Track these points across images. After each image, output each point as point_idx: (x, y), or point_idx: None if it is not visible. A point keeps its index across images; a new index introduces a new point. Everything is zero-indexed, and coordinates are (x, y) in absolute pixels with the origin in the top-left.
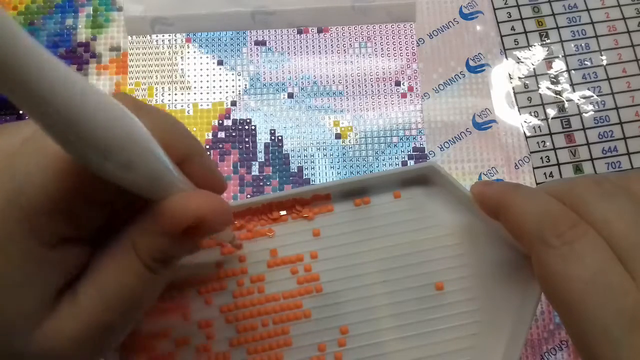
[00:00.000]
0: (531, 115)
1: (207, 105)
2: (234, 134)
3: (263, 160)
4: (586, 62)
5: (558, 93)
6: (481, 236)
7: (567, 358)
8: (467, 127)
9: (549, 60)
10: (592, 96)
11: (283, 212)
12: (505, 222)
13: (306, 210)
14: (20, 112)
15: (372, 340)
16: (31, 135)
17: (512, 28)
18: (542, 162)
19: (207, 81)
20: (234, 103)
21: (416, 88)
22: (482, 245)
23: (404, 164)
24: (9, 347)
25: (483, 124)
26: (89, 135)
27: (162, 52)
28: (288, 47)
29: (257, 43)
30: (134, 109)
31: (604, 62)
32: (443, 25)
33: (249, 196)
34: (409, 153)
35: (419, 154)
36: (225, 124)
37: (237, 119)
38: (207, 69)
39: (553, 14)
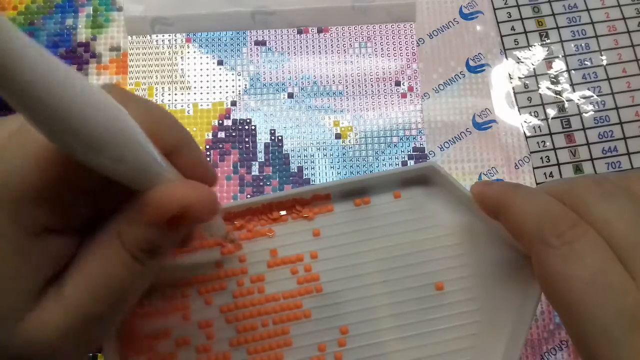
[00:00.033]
0: (531, 115)
1: (207, 105)
2: (234, 134)
3: (263, 160)
4: (586, 62)
5: (558, 93)
6: (481, 236)
7: (567, 358)
8: (467, 127)
9: (549, 60)
10: (592, 96)
11: (283, 212)
12: (505, 222)
13: (306, 210)
14: None
15: (372, 340)
16: (17, 128)
17: (512, 28)
18: (542, 162)
19: (207, 81)
20: (234, 103)
21: (416, 88)
22: (482, 245)
23: (404, 164)
24: None
25: (483, 124)
26: (74, 127)
27: (162, 52)
28: (288, 47)
29: (257, 43)
30: (122, 99)
31: (604, 62)
32: (443, 25)
33: (249, 196)
34: (409, 153)
35: (419, 154)
36: (225, 124)
37: (237, 119)
38: (207, 69)
39: (553, 14)
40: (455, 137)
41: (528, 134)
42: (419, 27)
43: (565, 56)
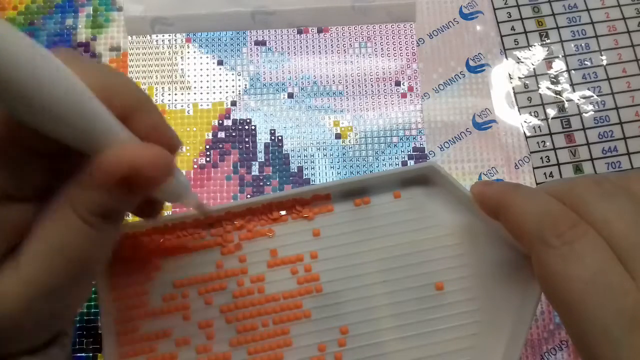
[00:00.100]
0: (531, 115)
1: (207, 105)
2: (234, 134)
3: (263, 160)
4: (586, 62)
5: (558, 93)
6: (481, 236)
7: (567, 358)
8: (467, 127)
9: (549, 60)
10: (592, 96)
11: (283, 212)
12: (505, 222)
13: (306, 210)
14: None
15: (372, 340)
16: None
17: (512, 28)
18: (542, 162)
19: (207, 81)
20: (234, 103)
21: (416, 88)
22: (482, 245)
23: (404, 164)
24: None
25: (483, 124)
26: (16, 88)
27: (162, 52)
28: (288, 47)
29: (257, 43)
30: (70, 61)
31: (604, 62)
32: (443, 25)
33: (249, 196)
34: (409, 153)
35: (419, 154)
36: (225, 124)
37: (237, 119)
38: (207, 69)
39: (553, 14)
40: (455, 137)
41: (528, 134)
42: (419, 27)
43: (565, 56)
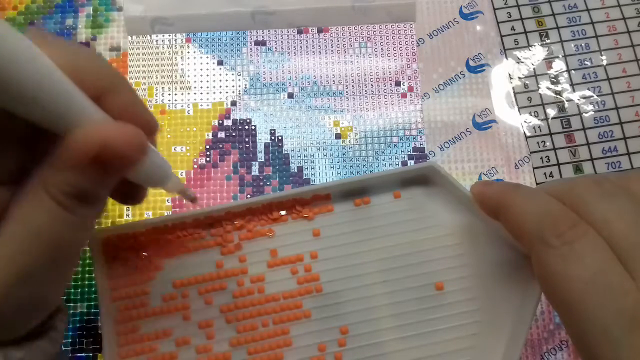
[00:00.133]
0: (531, 115)
1: (207, 105)
2: (234, 134)
3: (263, 160)
4: (586, 62)
5: (558, 93)
6: (481, 236)
7: (567, 358)
8: (467, 127)
9: (549, 60)
10: (592, 96)
11: (283, 212)
12: (505, 222)
13: (306, 210)
14: None
15: (372, 340)
16: None
17: (512, 28)
18: (542, 162)
19: (207, 81)
20: (234, 103)
21: (416, 88)
22: (482, 245)
23: (404, 164)
24: None
25: (483, 124)
26: None
27: (162, 52)
28: (288, 47)
29: (257, 43)
30: (40, 41)
31: (604, 62)
32: (443, 25)
33: (249, 196)
34: (409, 153)
35: (419, 154)
36: (225, 124)
37: (237, 119)
38: (207, 69)
39: (553, 14)
40: (455, 137)
41: (528, 134)
42: (419, 27)
43: (565, 56)
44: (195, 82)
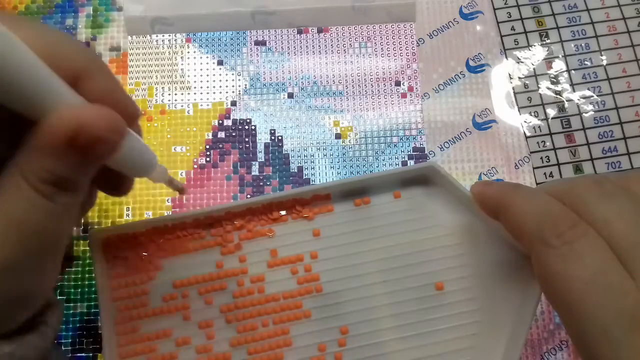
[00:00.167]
0: (531, 115)
1: (207, 105)
2: (234, 134)
3: (263, 160)
4: (586, 62)
5: (558, 93)
6: (481, 236)
7: (567, 358)
8: (467, 127)
9: (549, 60)
10: (592, 96)
11: (283, 212)
12: (505, 222)
13: (306, 210)
14: None
15: (372, 340)
16: None
17: (512, 28)
18: (542, 162)
19: (207, 81)
20: (234, 103)
21: (416, 88)
22: (482, 245)
23: (404, 164)
24: None
25: (483, 124)
26: None
27: (162, 52)
28: (288, 47)
29: (257, 43)
30: (13, 25)
31: (604, 62)
32: (443, 25)
33: (249, 196)
34: (409, 153)
35: (419, 154)
36: (225, 124)
37: (237, 119)
38: (207, 69)
39: (553, 14)
40: (455, 137)
41: (528, 134)
42: (419, 27)
43: (565, 56)
44: (195, 82)
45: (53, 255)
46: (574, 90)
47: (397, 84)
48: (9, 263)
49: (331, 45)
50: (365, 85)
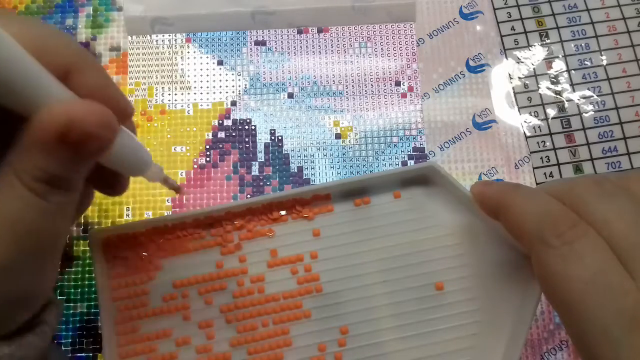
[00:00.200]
0: (531, 115)
1: (207, 105)
2: (234, 134)
3: (263, 160)
4: (586, 62)
5: (558, 93)
6: (481, 236)
7: (567, 358)
8: (467, 127)
9: (549, 60)
10: (592, 96)
11: (283, 212)
12: (505, 222)
13: (306, 210)
14: None
15: (372, 340)
16: None
17: (512, 28)
18: (542, 162)
19: (207, 81)
20: (234, 103)
21: (416, 88)
22: (482, 245)
23: (404, 164)
24: None
25: (483, 124)
26: None
27: (162, 52)
28: (288, 47)
29: (257, 43)
30: (2, 20)
31: (604, 62)
32: (443, 25)
33: (249, 196)
34: (409, 153)
35: (419, 154)
36: (225, 124)
37: (237, 119)
38: (207, 69)
39: (553, 14)
40: (455, 137)
41: (528, 134)
42: (419, 27)
43: (565, 56)
44: (195, 82)
45: (51, 255)
46: (574, 90)
47: (397, 84)
48: (6, 263)
49: (331, 45)
50: (365, 85)
